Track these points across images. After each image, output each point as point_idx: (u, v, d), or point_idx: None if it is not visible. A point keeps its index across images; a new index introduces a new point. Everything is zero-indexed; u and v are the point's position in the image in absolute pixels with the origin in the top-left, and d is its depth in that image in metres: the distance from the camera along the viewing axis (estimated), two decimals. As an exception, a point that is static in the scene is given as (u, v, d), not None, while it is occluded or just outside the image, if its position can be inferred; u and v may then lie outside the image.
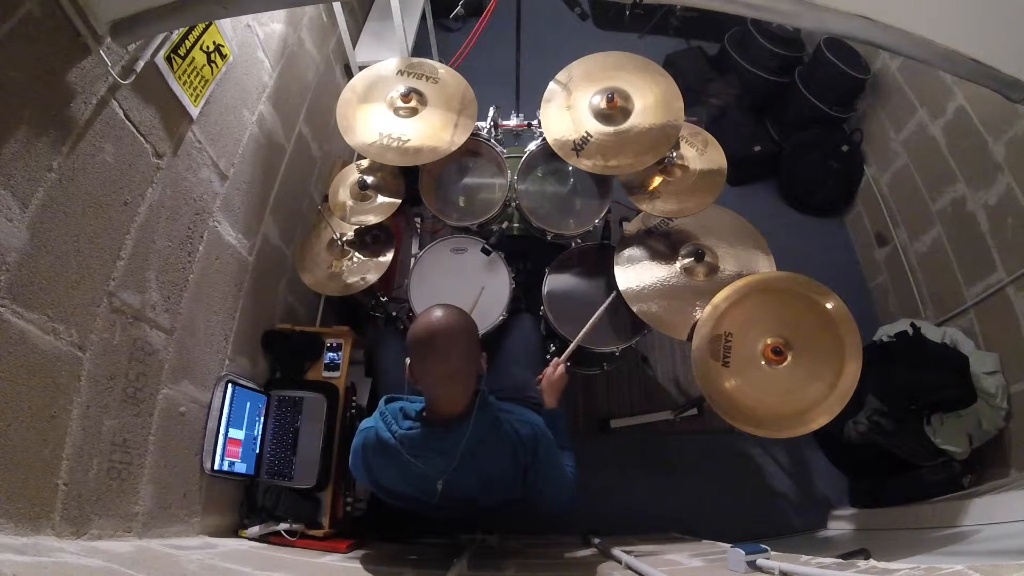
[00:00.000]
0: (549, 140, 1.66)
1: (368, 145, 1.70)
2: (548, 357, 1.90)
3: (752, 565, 1.08)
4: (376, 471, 1.27)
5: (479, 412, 1.18)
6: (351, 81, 1.81)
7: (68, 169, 1.05)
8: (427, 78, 1.80)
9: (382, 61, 1.85)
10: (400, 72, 1.81)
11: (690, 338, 1.59)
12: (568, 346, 1.66)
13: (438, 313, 1.16)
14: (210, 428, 1.49)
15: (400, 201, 1.83)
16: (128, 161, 1.21)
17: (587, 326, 1.67)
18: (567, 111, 1.68)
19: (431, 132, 1.71)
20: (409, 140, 1.70)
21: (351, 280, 1.81)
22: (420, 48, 3.19)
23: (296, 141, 2.13)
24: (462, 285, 1.83)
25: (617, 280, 1.72)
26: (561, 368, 1.58)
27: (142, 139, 1.25)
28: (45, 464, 0.98)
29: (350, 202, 1.84)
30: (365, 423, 1.29)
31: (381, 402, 1.29)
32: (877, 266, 2.78)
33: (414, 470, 1.20)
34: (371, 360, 1.98)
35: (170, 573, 1.06)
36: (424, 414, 1.22)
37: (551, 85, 1.73)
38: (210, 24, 1.46)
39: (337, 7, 2.52)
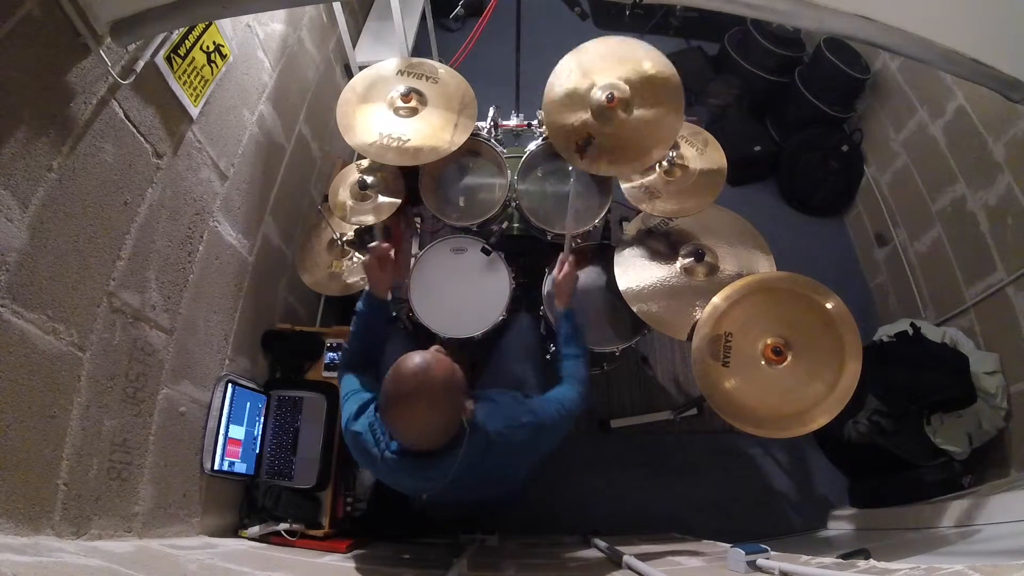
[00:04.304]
0: (548, 135, 1.66)
1: (368, 145, 1.69)
2: (548, 357, 1.90)
3: (752, 565, 1.08)
4: (369, 469, 1.29)
5: (468, 446, 1.12)
6: (351, 81, 1.81)
7: (68, 169, 1.05)
8: (427, 78, 1.80)
9: (382, 61, 1.85)
10: (400, 72, 1.81)
11: (690, 338, 1.59)
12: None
13: (408, 378, 1.06)
14: (210, 428, 1.49)
15: (400, 201, 1.83)
16: (128, 161, 1.21)
17: (569, 208, 1.63)
18: (578, 79, 1.62)
19: (431, 132, 1.71)
20: (409, 140, 1.69)
21: (351, 280, 1.81)
22: (420, 48, 3.18)
23: (296, 141, 2.13)
24: (462, 285, 1.83)
25: (617, 280, 1.72)
26: (567, 267, 1.53)
27: (142, 139, 1.25)
28: (45, 464, 0.98)
29: (350, 202, 1.84)
30: (357, 425, 1.24)
31: (371, 408, 1.25)
32: (877, 266, 2.78)
33: (400, 482, 1.23)
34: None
35: (170, 573, 1.06)
36: None
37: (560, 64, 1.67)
38: (210, 24, 1.46)
39: (337, 7, 2.51)
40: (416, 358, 1.09)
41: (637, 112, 1.59)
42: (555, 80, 1.63)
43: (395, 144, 1.69)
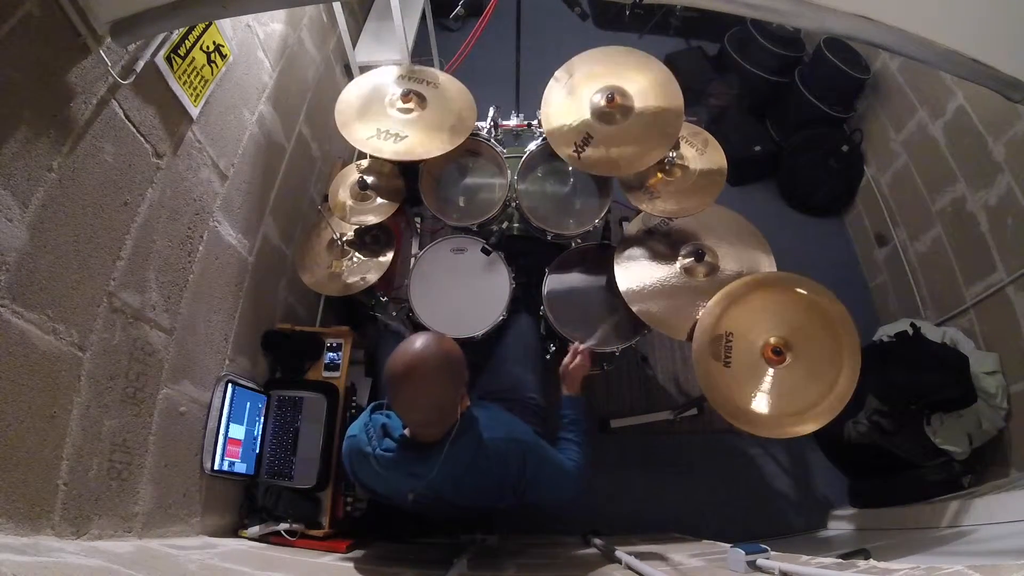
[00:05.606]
0: (548, 134, 1.66)
1: (365, 140, 1.70)
2: (548, 357, 1.90)
3: (752, 565, 1.08)
4: (359, 474, 1.33)
5: (456, 441, 1.18)
6: (350, 84, 1.81)
7: (68, 169, 1.04)
8: (427, 83, 1.81)
9: (382, 63, 1.85)
10: (401, 77, 1.82)
11: (690, 338, 1.59)
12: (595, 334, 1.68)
13: (412, 347, 1.13)
14: (210, 428, 1.49)
15: (400, 201, 1.83)
16: (128, 161, 1.21)
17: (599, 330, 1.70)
18: (569, 99, 1.67)
19: (428, 130, 1.71)
20: (406, 137, 1.70)
21: (351, 280, 1.81)
22: (420, 48, 3.18)
23: (296, 141, 2.13)
24: (462, 285, 1.83)
25: (617, 280, 1.72)
26: (582, 356, 1.55)
27: (142, 139, 1.25)
28: (45, 464, 0.98)
29: (350, 202, 1.84)
30: (352, 429, 1.32)
31: (367, 411, 1.32)
32: (877, 266, 2.78)
33: (388, 482, 1.26)
34: (371, 360, 1.98)
35: (170, 573, 1.06)
36: (405, 434, 1.24)
37: (552, 82, 1.72)
38: (210, 24, 1.46)
39: (337, 7, 2.51)
40: (419, 338, 1.16)
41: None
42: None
43: (391, 141, 1.69)
